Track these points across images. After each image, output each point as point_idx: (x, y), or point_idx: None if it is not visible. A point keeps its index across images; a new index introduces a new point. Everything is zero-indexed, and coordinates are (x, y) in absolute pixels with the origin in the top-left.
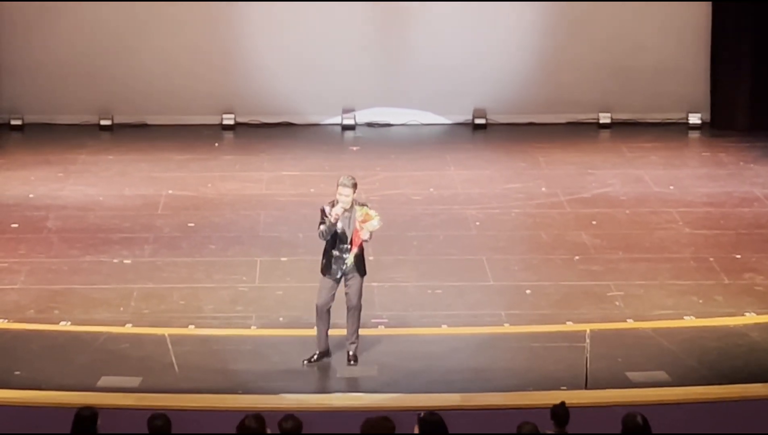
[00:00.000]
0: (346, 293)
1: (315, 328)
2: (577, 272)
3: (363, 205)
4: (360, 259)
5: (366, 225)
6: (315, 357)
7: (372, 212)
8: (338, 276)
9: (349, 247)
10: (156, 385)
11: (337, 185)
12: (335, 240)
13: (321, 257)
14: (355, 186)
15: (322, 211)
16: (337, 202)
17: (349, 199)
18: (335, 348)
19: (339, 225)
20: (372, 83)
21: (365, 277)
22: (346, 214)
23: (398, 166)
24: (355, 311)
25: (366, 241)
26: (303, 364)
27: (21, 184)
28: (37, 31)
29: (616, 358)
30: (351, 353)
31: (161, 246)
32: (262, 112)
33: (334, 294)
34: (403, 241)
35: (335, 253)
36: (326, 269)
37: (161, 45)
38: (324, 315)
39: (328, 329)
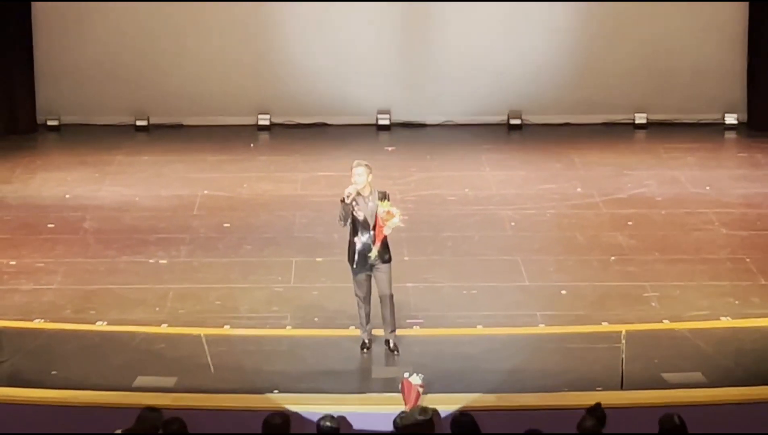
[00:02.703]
0: (377, 284)
1: (358, 316)
2: (612, 273)
3: (383, 196)
4: (385, 247)
5: (388, 223)
6: (366, 342)
7: (393, 209)
8: (365, 266)
9: (373, 234)
10: (192, 385)
11: (351, 169)
12: (357, 228)
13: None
14: (368, 167)
15: (342, 201)
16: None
17: (363, 180)
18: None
19: (360, 214)
20: (407, 84)
21: (392, 264)
22: (367, 199)
23: (433, 166)
24: (388, 300)
25: (387, 234)
26: (362, 353)
27: (57, 185)
28: (73, 32)
29: (652, 359)
30: (392, 343)
31: (197, 246)
32: (297, 113)
33: (370, 283)
34: (438, 242)
35: (357, 242)
36: (352, 260)
37: (197, 46)
38: (366, 304)
39: (370, 313)
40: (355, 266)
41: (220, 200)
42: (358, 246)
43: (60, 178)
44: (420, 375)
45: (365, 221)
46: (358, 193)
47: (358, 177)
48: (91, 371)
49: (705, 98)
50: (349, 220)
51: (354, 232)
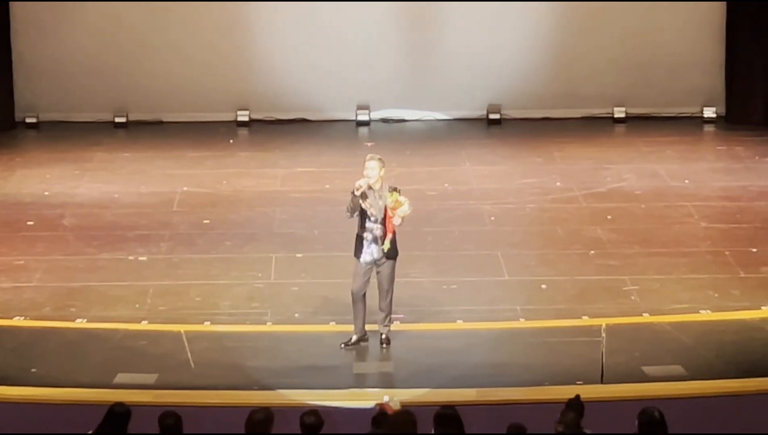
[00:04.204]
0: (378, 277)
1: (352, 312)
2: (593, 267)
3: (394, 189)
4: (393, 244)
5: (397, 211)
6: (352, 340)
7: (402, 198)
8: (370, 259)
9: (381, 227)
10: (172, 382)
11: (364, 163)
12: (365, 221)
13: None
14: (381, 161)
15: (353, 192)
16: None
17: (375, 174)
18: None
19: (369, 207)
20: (386, 79)
21: (397, 260)
22: (376, 193)
23: (413, 161)
24: (386, 295)
25: (397, 225)
26: (341, 347)
27: (37, 182)
28: (52, 29)
29: (632, 352)
30: (384, 336)
31: (177, 243)
32: (276, 109)
33: (368, 278)
34: (419, 237)
35: (366, 235)
36: (358, 252)
37: (176, 43)
38: (360, 300)
39: (365, 314)
40: (360, 258)
41: (200, 197)
42: (366, 236)
43: (39, 176)
44: (396, 399)
45: (374, 215)
46: (369, 187)
47: (371, 170)
48: (72, 369)
49: (684, 92)
50: (357, 213)
51: (362, 226)
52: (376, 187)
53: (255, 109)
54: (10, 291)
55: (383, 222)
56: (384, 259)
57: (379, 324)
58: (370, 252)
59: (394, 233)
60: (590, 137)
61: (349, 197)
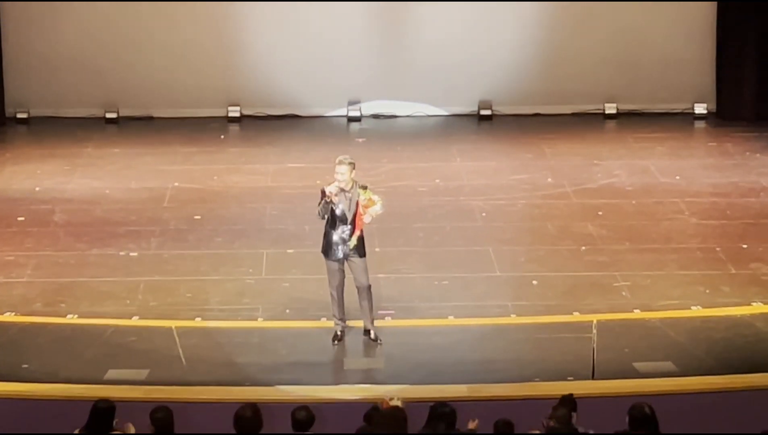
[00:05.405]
0: (354, 276)
1: (331, 307)
2: (583, 263)
3: (364, 187)
4: (361, 241)
5: (369, 210)
6: (339, 334)
7: (375, 197)
8: (339, 256)
9: (350, 228)
10: (163, 377)
11: (335, 165)
12: (335, 221)
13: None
14: (352, 165)
15: (322, 192)
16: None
17: (346, 178)
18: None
19: (339, 207)
20: (377, 75)
21: (366, 257)
22: (347, 194)
23: (404, 157)
24: (365, 291)
25: (366, 223)
26: (334, 345)
27: (27, 178)
28: (42, 25)
29: (623, 348)
30: (373, 333)
31: (167, 239)
32: (267, 105)
33: (344, 274)
34: (410, 233)
35: (335, 234)
36: (327, 250)
37: (166, 38)
38: (339, 296)
39: (343, 305)
40: (329, 256)
41: (191, 192)
42: (334, 237)
43: (30, 171)
44: (399, 399)
45: (343, 215)
46: (342, 190)
47: (341, 175)
48: (62, 364)
49: (674, 88)
50: (328, 213)
51: (332, 224)
52: (347, 187)
53: (246, 105)
54: (1, 286)
55: (353, 221)
56: (354, 256)
57: (367, 321)
58: (339, 249)
59: (361, 231)
60: (581, 133)
61: (320, 201)
